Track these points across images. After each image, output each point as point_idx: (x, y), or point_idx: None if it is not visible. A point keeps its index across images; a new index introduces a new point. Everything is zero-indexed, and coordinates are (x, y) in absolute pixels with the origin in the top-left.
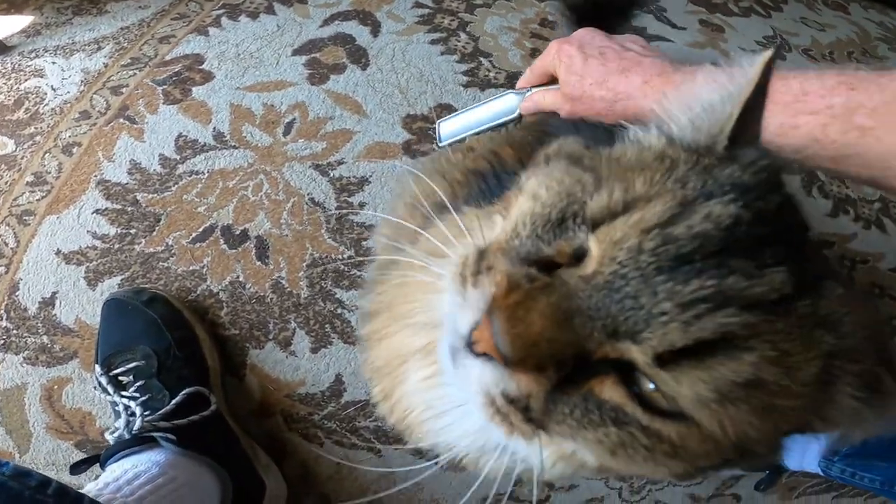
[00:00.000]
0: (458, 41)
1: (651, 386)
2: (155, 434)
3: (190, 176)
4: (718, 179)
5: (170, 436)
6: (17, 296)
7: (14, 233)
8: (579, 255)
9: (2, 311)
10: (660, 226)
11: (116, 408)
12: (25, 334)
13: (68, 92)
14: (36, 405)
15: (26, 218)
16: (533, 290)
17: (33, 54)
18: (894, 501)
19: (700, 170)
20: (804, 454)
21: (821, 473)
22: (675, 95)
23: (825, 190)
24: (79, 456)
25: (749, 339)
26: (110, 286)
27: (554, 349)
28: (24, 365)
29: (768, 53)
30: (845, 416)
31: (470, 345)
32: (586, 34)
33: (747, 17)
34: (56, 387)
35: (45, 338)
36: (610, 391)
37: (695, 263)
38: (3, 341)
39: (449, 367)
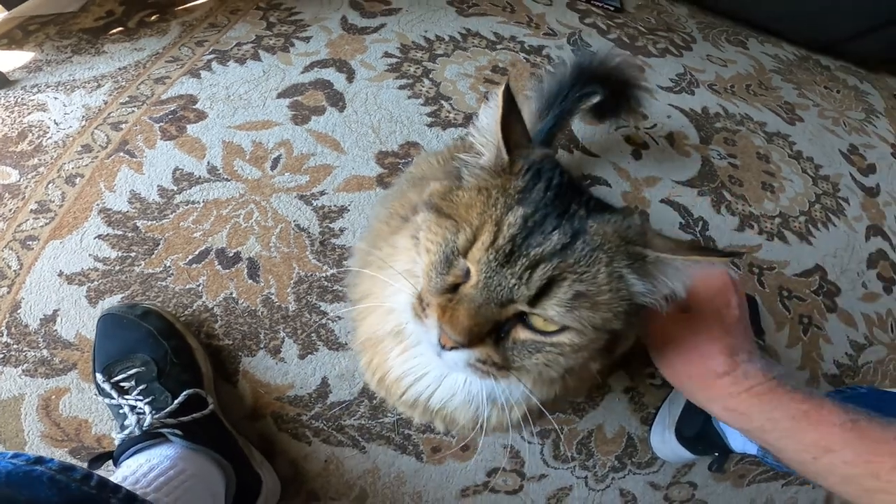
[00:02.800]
0: (423, 86)
1: (537, 319)
2: (163, 430)
3: (186, 205)
4: (511, 194)
5: (177, 431)
6: (18, 313)
7: (17, 256)
8: (466, 274)
9: (2, 328)
10: (491, 243)
11: (121, 410)
12: (25, 348)
13: (70, 126)
14: (32, 415)
15: (30, 242)
16: (454, 306)
17: (35, 89)
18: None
19: (502, 190)
20: (745, 438)
21: (760, 459)
22: (475, 126)
23: (732, 209)
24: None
25: (562, 274)
26: (111, 303)
27: (481, 327)
28: (23, 377)
29: (504, 85)
30: (637, 287)
31: (442, 346)
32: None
33: (663, 57)
34: (54, 397)
35: (45, 351)
36: (522, 333)
37: (514, 251)
38: (2, 355)
39: (438, 359)
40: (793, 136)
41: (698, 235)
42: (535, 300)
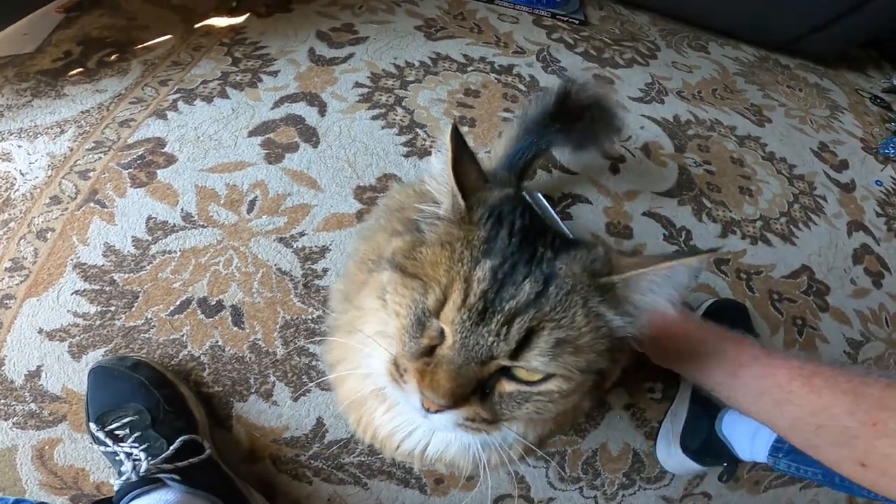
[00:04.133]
0: (396, 115)
1: (521, 371)
2: (161, 475)
3: (163, 255)
4: (476, 245)
5: (175, 476)
6: (2, 370)
7: None
8: (440, 335)
9: None
10: (463, 301)
11: (117, 457)
12: (13, 402)
13: (36, 177)
14: (28, 464)
15: (7, 301)
16: (433, 370)
17: None
18: (835, 490)
19: (466, 243)
20: (752, 445)
21: (771, 467)
22: (429, 174)
23: (713, 215)
24: None
25: (540, 323)
26: (94, 357)
27: (463, 388)
28: (14, 429)
29: (451, 127)
30: (616, 322)
31: (427, 410)
32: None
33: (630, 67)
34: (47, 447)
35: (33, 405)
36: (508, 386)
37: (488, 307)
38: None
39: (427, 421)
40: (763, 138)
41: (682, 245)
42: (515, 353)
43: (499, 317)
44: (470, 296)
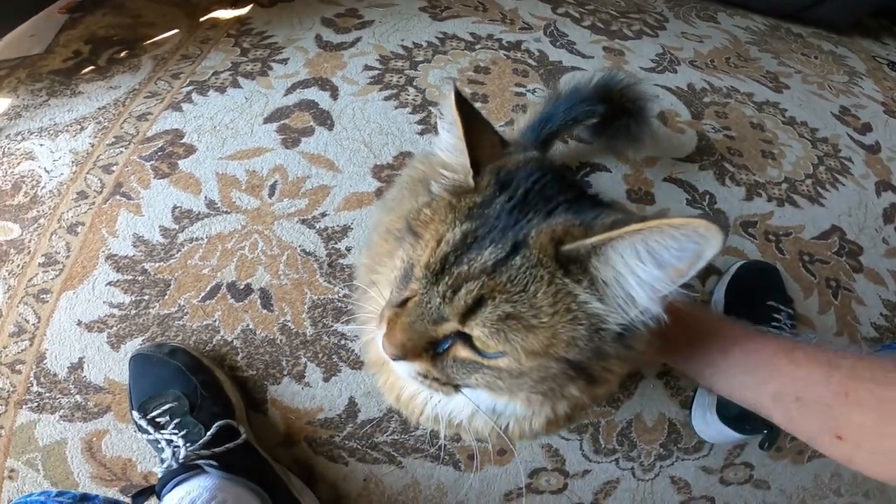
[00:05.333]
0: (408, 95)
1: (478, 340)
2: (199, 461)
3: (191, 243)
4: (461, 209)
5: (213, 462)
6: (44, 364)
7: (34, 310)
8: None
9: (32, 379)
10: (427, 261)
11: (159, 445)
12: (58, 395)
13: (62, 173)
14: (78, 457)
15: (43, 296)
16: (395, 319)
17: (19, 137)
18: None
19: (457, 206)
20: None
21: None
22: (439, 147)
23: (736, 179)
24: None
25: (491, 292)
26: (132, 346)
27: (413, 342)
28: (62, 422)
29: (452, 91)
30: (594, 307)
31: (389, 356)
32: None
33: (640, 38)
34: (95, 439)
35: (77, 397)
36: (462, 351)
37: (444, 269)
38: (36, 404)
39: (395, 367)
40: (782, 104)
41: (707, 209)
42: (464, 318)
43: (448, 280)
44: (433, 257)
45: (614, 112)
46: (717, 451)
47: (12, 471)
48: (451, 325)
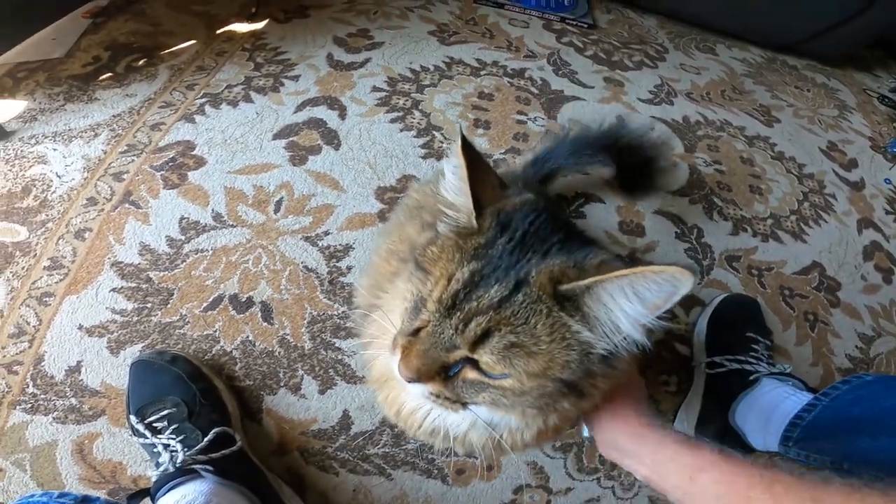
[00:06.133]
0: (413, 118)
1: (485, 364)
2: (196, 466)
3: (196, 254)
4: (468, 250)
5: (209, 467)
6: (42, 366)
7: (35, 313)
8: (427, 322)
9: (28, 380)
10: (439, 297)
11: (155, 449)
12: (53, 398)
13: (73, 179)
14: (67, 459)
15: (46, 299)
16: (410, 347)
17: (33, 140)
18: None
19: (463, 247)
20: (765, 434)
21: (783, 455)
22: (443, 186)
23: (724, 213)
24: None
25: (497, 325)
26: (132, 352)
27: (428, 367)
28: (54, 424)
29: (459, 137)
30: (585, 336)
31: (404, 379)
32: None
33: (640, 69)
34: (87, 441)
35: (73, 400)
36: (470, 373)
37: (455, 305)
38: (31, 405)
39: (408, 388)
40: (773, 138)
41: (695, 243)
42: (473, 347)
43: (460, 314)
44: (445, 293)
45: (624, 165)
46: None
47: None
48: (462, 353)
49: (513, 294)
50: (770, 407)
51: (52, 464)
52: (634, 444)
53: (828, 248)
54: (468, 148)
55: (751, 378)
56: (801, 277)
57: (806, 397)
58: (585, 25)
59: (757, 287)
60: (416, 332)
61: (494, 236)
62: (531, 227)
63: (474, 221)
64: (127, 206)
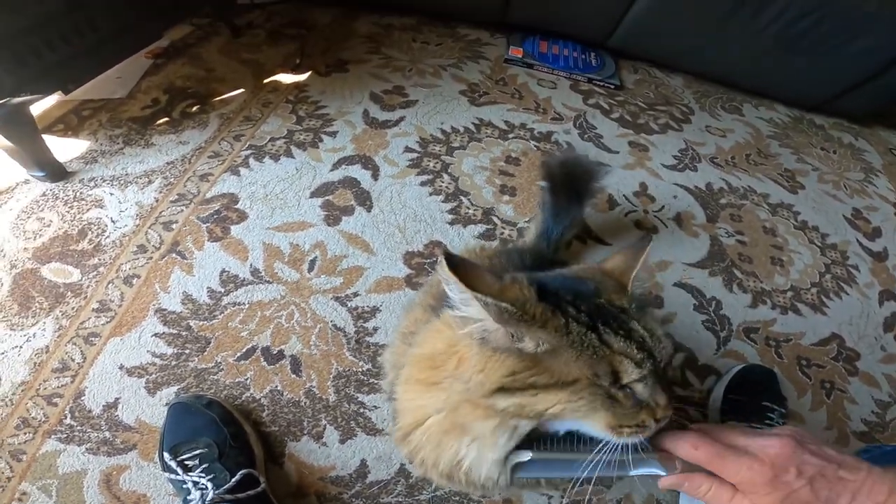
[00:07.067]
0: (442, 182)
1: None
2: None
3: (233, 306)
4: (579, 331)
5: None
6: (81, 400)
7: (81, 351)
8: (632, 391)
9: (66, 412)
10: (637, 363)
11: (185, 485)
12: (88, 430)
13: (126, 225)
14: (94, 488)
15: (92, 339)
16: (652, 403)
17: (92, 183)
18: None
19: (569, 334)
20: None
21: None
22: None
23: (744, 286)
24: None
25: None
26: (168, 394)
27: (670, 393)
28: (86, 454)
29: (441, 254)
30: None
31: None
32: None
33: (664, 133)
34: (115, 472)
35: (107, 433)
36: None
37: (651, 353)
38: (66, 435)
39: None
40: (796, 206)
41: (713, 315)
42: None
43: (663, 353)
44: (638, 355)
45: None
46: None
47: (24, 494)
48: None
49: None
50: None
51: (78, 491)
52: None
53: (848, 320)
54: (454, 265)
55: None
56: (819, 348)
57: None
58: (612, 86)
59: (774, 357)
60: (631, 398)
61: (561, 309)
62: (569, 293)
63: (529, 309)
64: (174, 255)
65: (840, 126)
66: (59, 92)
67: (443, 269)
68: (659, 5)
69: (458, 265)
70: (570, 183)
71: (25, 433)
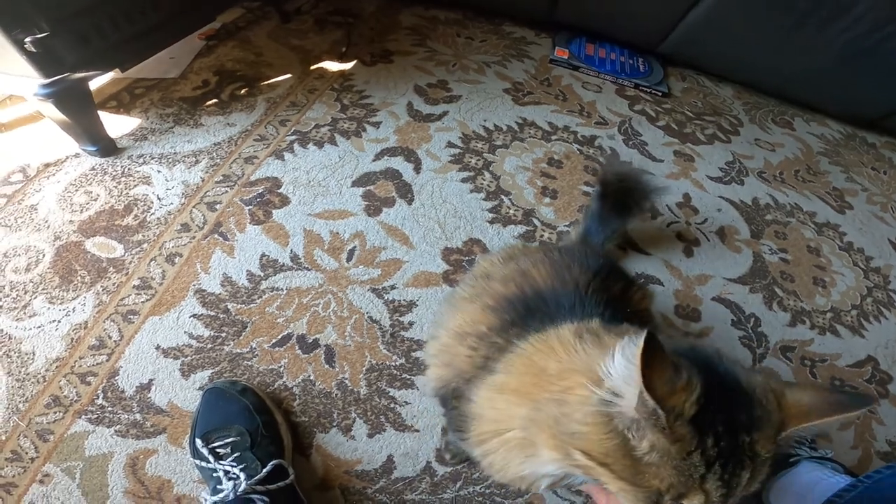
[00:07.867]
0: (484, 180)
1: None
2: (254, 496)
3: (272, 291)
4: (693, 460)
5: (265, 498)
6: (115, 380)
7: (119, 328)
8: None
9: (99, 392)
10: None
11: (215, 474)
12: (119, 411)
13: (171, 203)
14: (119, 471)
15: (131, 317)
16: None
17: (141, 160)
18: None
19: (681, 455)
20: None
21: None
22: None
23: (784, 304)
24: None
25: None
26: (202, 378)
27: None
28: (114, 437)
29: (641, 342)
30: None
31: None
32: None
33: (711, 143)
34: (142, 456)
35: (137, 415)
36: None
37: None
38: (96, 416)
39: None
40: (843, 227)
41: (750, 332)
42: None
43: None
44: (715, 499)
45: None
46: None
47: (46, 475)
48: None
49: (754, 466)
50: (807, 488)
51: (102, 475)
52: None
53: (885, 343)
54: (653, 351)
55: (790, 460)
56: (854, 370)
57: (844, 480)
58: (659, 94)
59: (808, 377)
60: None
61: (700, 439)
62: (723, 423)
63: (665, 423)
64: (216, 236)
65: (892, 145)
66: (116, 69)
67: (628, 349)
68: (719, 15)
69: (653, 353)
70: (622, 195)
71: (56, 412)
